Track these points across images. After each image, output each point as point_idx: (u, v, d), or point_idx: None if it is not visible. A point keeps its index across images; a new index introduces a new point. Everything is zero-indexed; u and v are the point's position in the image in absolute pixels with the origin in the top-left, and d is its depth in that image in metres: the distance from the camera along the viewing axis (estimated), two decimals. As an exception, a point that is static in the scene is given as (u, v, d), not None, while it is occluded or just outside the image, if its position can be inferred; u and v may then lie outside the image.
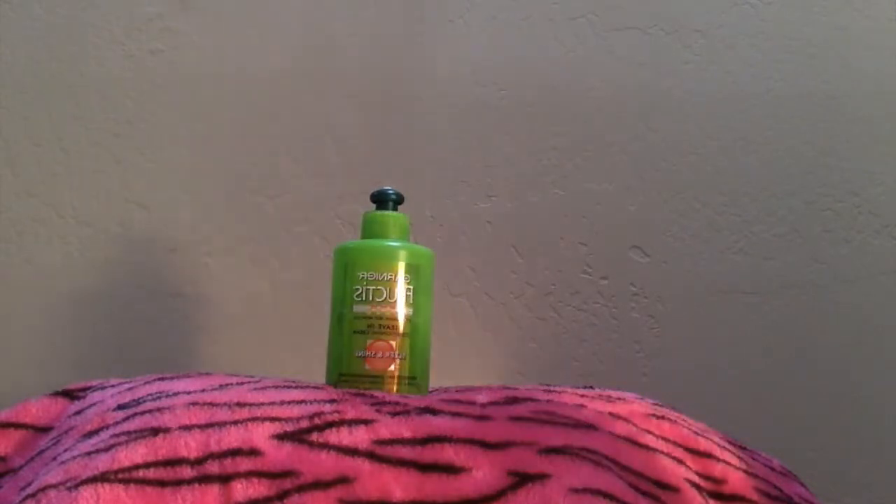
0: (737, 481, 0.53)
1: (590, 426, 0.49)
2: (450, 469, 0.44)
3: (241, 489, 0.43)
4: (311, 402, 0.48)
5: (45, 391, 0.57)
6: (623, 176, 0.93)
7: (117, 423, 0.47)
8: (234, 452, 0.44)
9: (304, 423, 0.45)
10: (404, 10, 0.96)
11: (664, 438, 0.53)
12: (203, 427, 0.45)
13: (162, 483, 0.43)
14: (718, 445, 0.54)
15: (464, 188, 0.93)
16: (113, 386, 0.54)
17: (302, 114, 0.94)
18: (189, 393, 0.49)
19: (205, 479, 0.43)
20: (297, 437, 0.45)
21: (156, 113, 0.95)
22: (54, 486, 0.43)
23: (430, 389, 0.59)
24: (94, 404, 0.52)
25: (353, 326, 0.56)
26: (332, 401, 0.48)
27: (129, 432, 0.46)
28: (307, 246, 0.92)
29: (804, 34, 0.95)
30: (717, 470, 0.53)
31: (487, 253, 0.92)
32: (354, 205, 0.92)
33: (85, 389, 0.56)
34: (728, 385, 0.89)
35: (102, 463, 0.44)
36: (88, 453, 0.45)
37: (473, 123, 0.94)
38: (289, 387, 0.51)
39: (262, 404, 0.47)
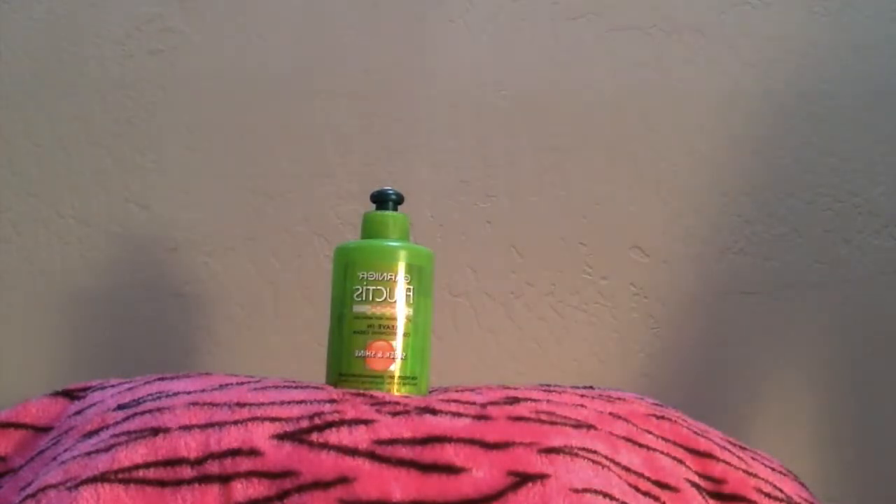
0: (737, 481, 0.53)
1: (590, 426, 0.49)
2: (450, 469, 0.44)
3: (241, 489, 0.43)
4: (311, 402, 0.48)
5: (45, 391, 0.57)
6: (623, 176, 0.93)
7: (117, 423, 0.47)
8: (234, 452, 0.44)
9: (304, 423, 0.45)
10: (404, 10, 0.96)
11: (664, 438, 0.53)
12: (203, 427, 0.45)
13: (162, 483, 0.43)
14: (718, 445, 0.54)
15: (464, 188, 0.93)
16: (113, 386, 0.54)
17: (302, 114, 0.94)
18: (189, 393, 0.49)
19: (205, 479, 0.43)
20: (297, 437, 0.45)
21: (156, 113, 0.95)
22: (54, 486, 0.43)
23: (430, 389, 0.59)
24: (94, 404, 0.52)
25: (352, 326, 0.56)
26: (332, 401, 0.48)
27: (129, 432, 0.46)
28: (307, 246, 0.92)
29: (804, 34, 0.95)
30: (717, 470, 0.53)
31: (487, 253, 0.92)
32: (354, 205, 0.92)
33: (85, 389, 0.56)
34: (728, 385, 0.89)
35: (102, 463, 0.44)
36: (88, 453, 0.45)
37: (473, 123, 0.94)
38: (289, 387, 0.51)
39: (262, 404, 0.47)
